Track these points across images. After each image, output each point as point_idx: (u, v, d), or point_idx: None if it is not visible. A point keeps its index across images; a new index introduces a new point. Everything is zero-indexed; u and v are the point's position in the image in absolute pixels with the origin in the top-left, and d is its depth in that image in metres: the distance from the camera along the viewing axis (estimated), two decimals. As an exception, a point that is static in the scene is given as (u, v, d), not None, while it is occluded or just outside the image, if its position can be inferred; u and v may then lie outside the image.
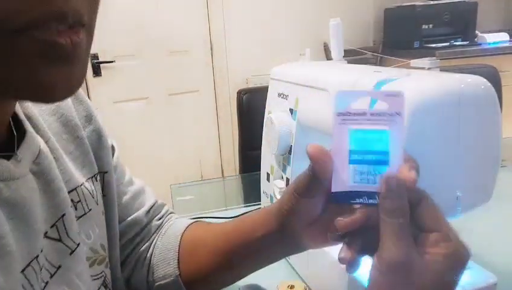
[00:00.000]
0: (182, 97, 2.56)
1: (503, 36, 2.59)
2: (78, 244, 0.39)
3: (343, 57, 0.66)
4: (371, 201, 0.32)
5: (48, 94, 0.28)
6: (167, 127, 2.55)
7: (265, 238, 0.44)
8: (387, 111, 0.31)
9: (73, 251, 0.38)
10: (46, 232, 0.36)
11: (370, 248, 0.33)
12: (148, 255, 0.54)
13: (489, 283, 0.48)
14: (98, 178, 0.47)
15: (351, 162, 0.33)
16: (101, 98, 2.34)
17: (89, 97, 2.19)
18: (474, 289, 0.49)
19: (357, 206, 0.34)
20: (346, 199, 0.33)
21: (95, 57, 2.29)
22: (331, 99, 0.52)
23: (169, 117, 2.54)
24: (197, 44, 2.54)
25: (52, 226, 0.37)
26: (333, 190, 0.34)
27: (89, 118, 0.47)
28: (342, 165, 0.33)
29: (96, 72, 2.31)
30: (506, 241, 0.71)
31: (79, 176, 0.43)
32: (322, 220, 0.39)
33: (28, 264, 0.32)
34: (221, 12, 2.55)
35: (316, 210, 0.39)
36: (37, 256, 0.33)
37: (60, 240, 0.37)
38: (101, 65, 2.32)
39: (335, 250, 0.36)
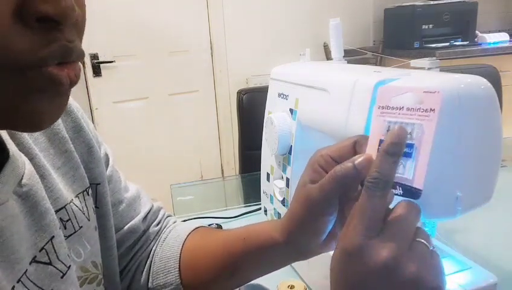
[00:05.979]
0: (182, 97, 2.56)
1: (503, 36, 2.59)
2: (69, 267, 0.38)
3: (343, 57, 0.66)
4: None
5: (36, 125, 0.29)
6: (167, 127, 2.55)
7: (270, 249, 0.44)
8: (422, 107, 0.33)
9: (64, 274, 0.37)
10: (34, 257, 0.35)
11: None
12: (148, 262, 0.54)
13: (489, 283, 0.48)
14: (90, 192, 0.46)
15: (380, 151, 0.34)
16: (101, 98, 2.34)
17: (88, 97, 2.17)
18: (474, 288, 0.49)
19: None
20: None
21: (95, 57, 2.29)
22: (331, 98, 0.52)
23: (169, 117, 2.54)
24: (197, 44, 2.54)
25: (41, 250, 0.35)
26: None
27: (78, 129, 0.46)
28: (373, 154, 0.35)
29: (96, 72, 2.31)
30: (506, 241, 0.71)
31: (68, 193, 0.42)
32: (332, 232, 0.39)
33: None
34: (221, 12, 2.55)
35: (327, 226, 0.39)
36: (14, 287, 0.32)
37: (50, 263, 0.36)
38: (101, 65, 2.32)
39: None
